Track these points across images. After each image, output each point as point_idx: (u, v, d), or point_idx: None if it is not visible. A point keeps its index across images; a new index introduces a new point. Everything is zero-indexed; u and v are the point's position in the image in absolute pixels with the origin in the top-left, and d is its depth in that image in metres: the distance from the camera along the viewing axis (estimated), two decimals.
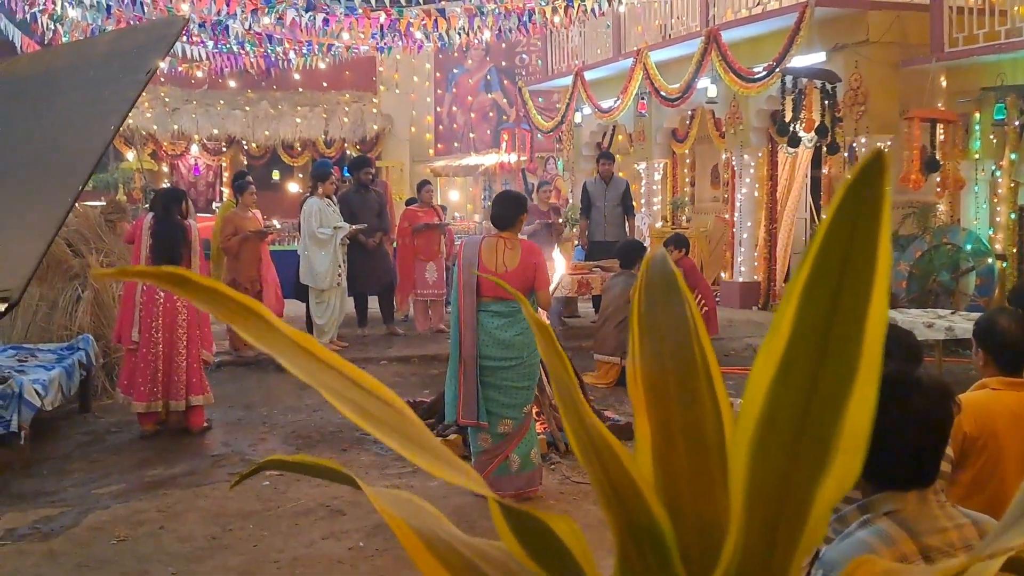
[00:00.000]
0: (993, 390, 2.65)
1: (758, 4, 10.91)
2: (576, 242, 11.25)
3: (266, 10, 9.89)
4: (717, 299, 11.68)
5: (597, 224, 9.79)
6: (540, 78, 16.17)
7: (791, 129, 9.89)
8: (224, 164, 17.37)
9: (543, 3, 10.60)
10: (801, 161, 11.47)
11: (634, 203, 10.43)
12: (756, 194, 11.49)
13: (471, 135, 18.44)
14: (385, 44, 12.03)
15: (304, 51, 13.07)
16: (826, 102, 9.71)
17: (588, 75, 13.31)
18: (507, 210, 4.83)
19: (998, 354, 2.72)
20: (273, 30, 11.33)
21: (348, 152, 16.71)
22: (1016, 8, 8.69)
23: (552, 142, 16.05)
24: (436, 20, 10.93)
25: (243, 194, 8.33)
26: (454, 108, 18.60)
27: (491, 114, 18.56)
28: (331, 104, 17.40)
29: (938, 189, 9.63)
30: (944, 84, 9.62)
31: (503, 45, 17.19)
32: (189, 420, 6.04)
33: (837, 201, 0.62)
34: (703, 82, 10.75)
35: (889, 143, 9.76)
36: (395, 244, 9.98)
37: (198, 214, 11.64)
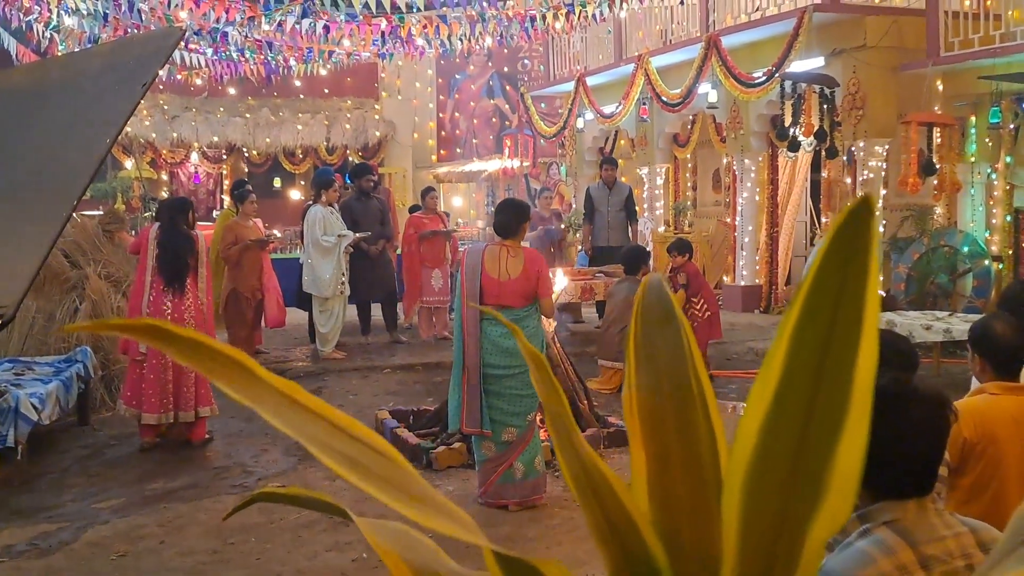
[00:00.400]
0: (992, 395, 2.66)
1: (757, 10, 10.94)
2: (579, 247, 11.26)
3: (263, 18, 9.89)
4: (720, 303, 11.68)
5: (600, 229, 9.80)
6: (542, 84, 16.19)
7: (791, 134, 9.91)
8: (225, 172, 17.34)
9: (544, 9, 10.62)
10: (801, 165, 11.48)
11: (637, 208, 10.43)
12: (757, 198, 11.50)
13: (474, 141, 18.45)
14: (386, 51, 12.04)
15: (305, 58, 13.08)
16: (825, 107, 9.73)
17: (590, 80, 13.33)
18: (510, 218, 4.82)
19: (994, 359, 2.72)
20: (273, 37, 11.35)
21: (350, 159, 16.69)
22: (1011, 12, 8.71)
23: (555, 147, 16.06)
24: (437, 26, 10.94)
25: (244, 203, 8.32)
26: (456, 114, 18.62)
27: (494, 120, 18.57)
28: (333, 111, 17.39)
29: (935, 192, 9.66)
30: (941, 88, 9.64)
31: (505, 51, 17.20)
32: (191, 432, 6.00)
33: (826, 243, 0.62)
34: (704, 87, 10.76)
35: (887, 147, 9.79)
36: (398, 251, 9.98)
37: (199, 222, 11.63)
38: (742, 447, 0.64)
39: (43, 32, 10.98)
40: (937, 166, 9.34)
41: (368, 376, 7.96)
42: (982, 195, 9.83)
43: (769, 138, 11.22)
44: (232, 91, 16.84)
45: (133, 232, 11.37)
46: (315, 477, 5.30)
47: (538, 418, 4.85)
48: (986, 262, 9.27)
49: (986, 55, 8.68)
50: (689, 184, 14.09)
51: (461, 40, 11.14)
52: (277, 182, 17.45)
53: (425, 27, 10.90)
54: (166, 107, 16.54)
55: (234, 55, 12.92)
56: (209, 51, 12.63)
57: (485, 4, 10.48)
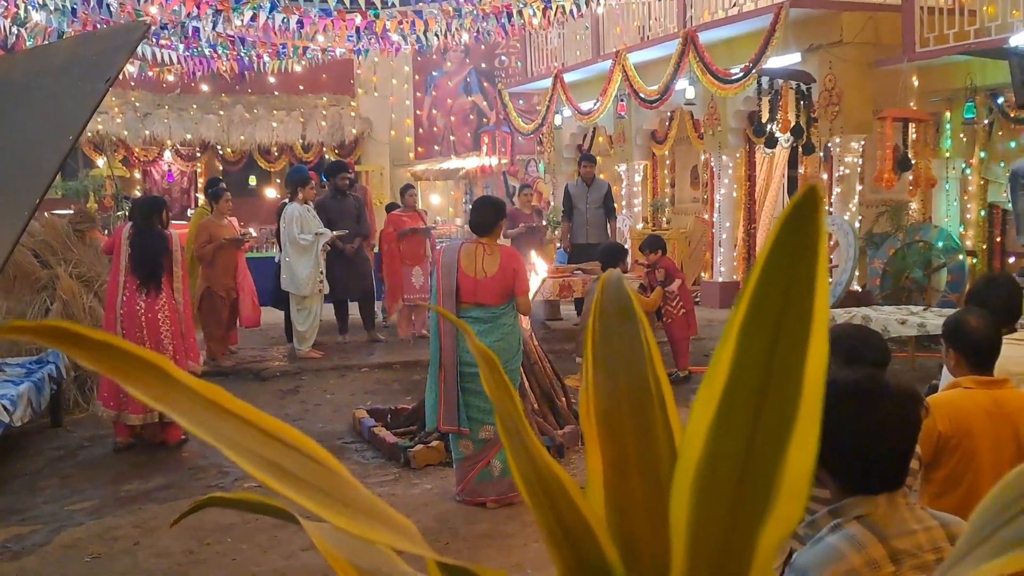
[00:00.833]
0: (966, 389, 2.68)
1: (734, 5, 10.97)
2: (558, 245, 11.25)
3: (232, 12, 9.77)
4: (697, 300, 11.73)
5: (579, 227, 9.79)
6: (520, 80, 16.16)
7: (768, 130, 9.95)
8: (199, 170, 17.16)
9: (521, 4, 10.59)
10: (778, 161, 11.54)
11: (616, 205, 10.44)
12: (735, 194, 11.55)
13: (451, 138, 18.39)
14: (362, 47, 11.96)
15: (279, 54, 12.96)
16: (801, 103, 9.78)
17: (567, 77, 13.32)
18: (486, 216, 4.81)
19: (968, 354, 2.74)
20: (245, 32, 11.24)
21: (327, 156, 16.57)
22: (985, 8, 8.78)
23: (533, 144, 16.04)
24: (413, 22, 10.89)
25: (218, 201, 8.24)
26: (434, 111, 18.55)
27: (471, 117, 18.51)
28: (308, 108, 17.25)
29: (910, 188, 9.74)
30: (916, 84, 9.72)
31: (482, 47, 17.15)
32: (166, 433, 5.94)
33: (772, 237, 0.60)
34: (681, 84, 10.79)
35: (863, 142, 9.85)
36: (376, 250, 9.92)
37: (173, 221, 11.52)
38: (690, 450, 0.62)
39: (9, 28, 10.80)
40: (912, 162, 9.43)
41: (346, 375, 7.92)
42: (957, 190, 9.93)
43: (746, 134, 11.27)
44: (205, 88, 16.65)
45: (105, 231, 11.24)
46: None
47: None
48: (960, 257, 9.37)
49: (961, 51, 8.76)
50: (667, 181, 14.12)
51: (437, 36, 11.09)
52: (252, 180, 17.28)
53: (400, 23, 10.84)
54: (138, 104, 16.32)
55: (206, 51, 12.78)
56: (180, 47, 12.48)
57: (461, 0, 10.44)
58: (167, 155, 16.79)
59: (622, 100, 12.13)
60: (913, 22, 9.24)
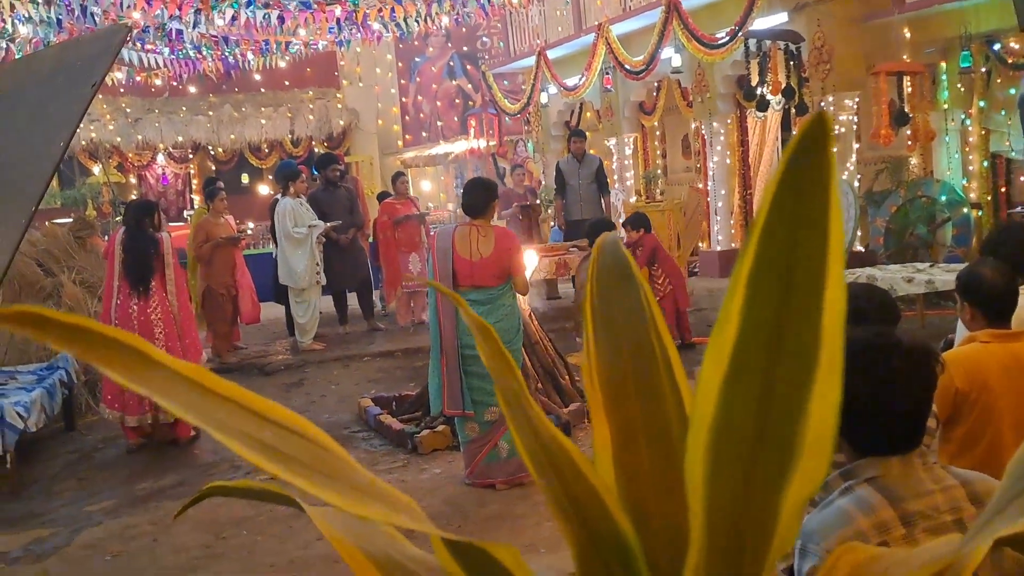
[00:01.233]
0: (983, 343, 2.60)
1: None
2: (552, 223, 11.20)
3: (212, 10, 9.70)
4: (695, 270, 11.69)
5: (572, 203, 9.74)
6: (503, 60, 16.04)
7: (758, 93, 9.86)
8: (192, 171, 17.18)
9: None
10: (771, 125, 11.45)
11: (608, 180, 10.37)
12: (728, 161, 11.47)
13: (439, 123, 18.31)
14: (343, 38, 11.88)
15: (263, 51, 12.89)
16: (791, 63, 9.67)
17: (551, 54, 13.21)
18: (478, 198, 4.78)
19: (985, 306, 2.66)
20: (228, 31, 11.15)
21: (316, 150, 16.56)
22: None
23: (520, 124, 15.95)
24: (392, 9, 10.80)
25: (214, 200, 8.27)
26: (419, 97, 18.45)
27: (457, 101, 18.42)
28: (295, 103, 17.22)
29: (909, 142, 9.63)
30: (908, 36, 9.60)
31: (463, 29, 17.03)
32: (175, 430, 5.99)
33: (778, 174, 0.56)
34: (667, 52, 10.69)
35: (857, 99, 9.76)
36: (371, 239, 9.90)
37: (170, 223, 11.51)
38: (702, 410, 0.59)
39: None
40: (909, 116, 9.29)
41: (349, 365, 7.92)
42: (957, 142, 9.79)
43: (736, 99, 11.18)
44: (193, 89, 16.63)
45: (104, 237, 11.23)
46: None
47: None
48: (965, 210, 9.24)
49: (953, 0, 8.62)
50: (658, 152, 14.03)
51: (418, 22, 11.00)
52: (245, 178, 17.30)
53: (380, 11, 10.74)
54: (128, 110, 16.34)
55: (191, 53, 12.72)
56: (166, 51, 12.43)
57: None
58: (160, 158, 16.81)
59: (607, 73, 12.04)
60: None
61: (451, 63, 18.41)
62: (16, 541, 4.51)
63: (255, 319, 8.47)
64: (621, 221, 12.12)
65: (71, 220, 9.26)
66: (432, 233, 5.78)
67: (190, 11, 9.72)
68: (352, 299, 9.04)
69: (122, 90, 15.75)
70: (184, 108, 16.64)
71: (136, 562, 4.16)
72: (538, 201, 11.31)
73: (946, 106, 9.75)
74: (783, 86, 9.69)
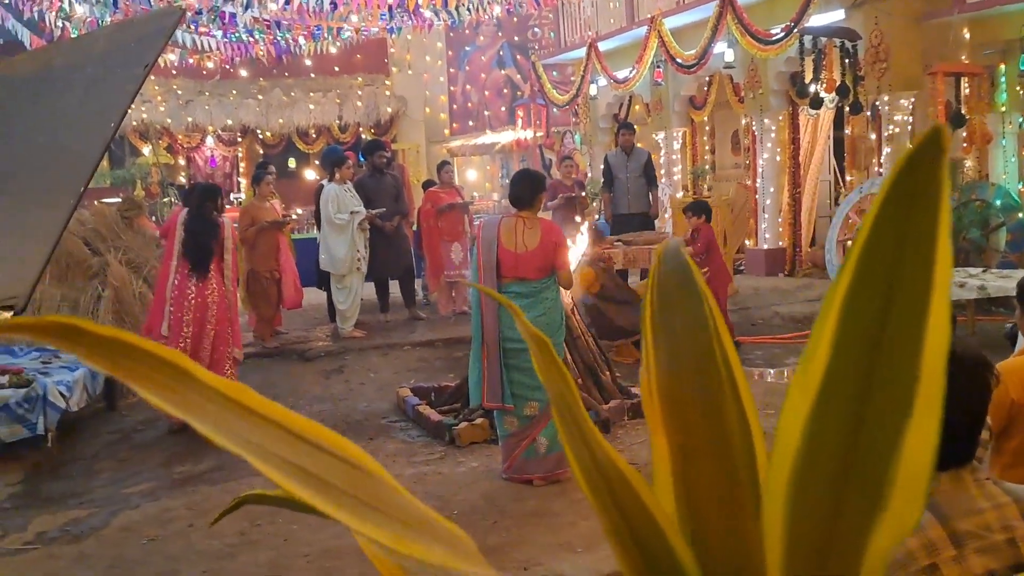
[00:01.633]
0: None
1: None
2: (597, 216, 11.10)
3: None
4: (741, 268, 11.51)
5: (620, 196, 9.63)
6: (553, 51, 15.93)
7: (812, 90, 9.67)
8: (240, 154, 17.36)
9: None
10: (823, 122, 11.22)
11: (656, 173, 10.24)
12: (778, 159, 11.27)
13: (486, 113, 18.25)
14: (395, 25, 11.89)
15: (314, 36, 12.97)
16: (847, 61, 9.46)
17: (602, 46, 13.09)
18: (525, 190, 4.73)
19: None
20: (281, 16, 11.23)
21: (363, 136, 16.61)
22: None
23: (568, 116, 15.84)
24: None
25: (259, 184, 8.32)
26: (468, 86, 18.41)
27: (505, 91, 18.35)
28: (344, 88, 17.29)
29: (964, 144, 9.38)
30: (967, 36, 9.34)
31: (514, 19, 16.94)
32: None
33: (887, 187, 0.51)
34: (719, 47, 10.52)
35: (913, 100, 9.52)
36: (415, 227, 9.90)
37: None
38: (784, 446, 0.53)
39: (55, 21, 10.96)
40: (966, 117, 9.07)
41: (388, 354, 7.93)
42: (1014, 146, 9.54)
43: (789, 96, 10.98)
44: (244, 73, 16.80)
45: (152, 218, 11.42)
46: None
47: None
48: (1020, 215, 9.00)
49: (1014, 0, 8.38)
50: (707, 147, 13.84)
51: (469, 10, 10.96)
52: (292, 163, 17.43)
53: None
54: (179, 92, 16.55)
55: (244, 37, 12.84)
56: (219, 34, 12.57)
57: None
58: (209, 141, 17.01)
59: (658, 67, 11.88)
60: None
61: (501, 52, 18.34)
62: (54, 521, 4.57)
63: (297, 304, 8.53)
64: (668, 215, 12.02)
65: (119, 200, 9.38)
66: (476, 223, 5.74)
67: None
68: (394, 287, 9.06)
69: (174, 72, 15.96)
70: (234, 91, 16.81)
71: (171, 547, 4.18)
72: (584, 193, 11.21)
73: (1004, 109, 9.48)
74: (837, 84, 9.48)
